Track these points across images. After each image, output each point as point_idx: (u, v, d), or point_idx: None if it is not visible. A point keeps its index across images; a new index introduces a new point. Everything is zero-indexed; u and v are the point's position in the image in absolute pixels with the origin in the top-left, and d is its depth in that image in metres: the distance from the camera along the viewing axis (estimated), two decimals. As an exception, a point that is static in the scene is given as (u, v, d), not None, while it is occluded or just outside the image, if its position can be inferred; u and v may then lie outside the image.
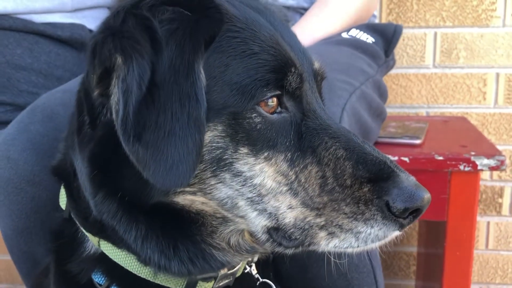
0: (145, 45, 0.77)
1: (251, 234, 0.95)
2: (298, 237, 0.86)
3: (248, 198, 0.86)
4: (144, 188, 0.85)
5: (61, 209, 1.04)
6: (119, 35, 0.78)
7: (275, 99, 0.86)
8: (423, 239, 2.32)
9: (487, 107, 2.38)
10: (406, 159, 1.63)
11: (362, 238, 0.84)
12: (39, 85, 1.63)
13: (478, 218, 2.43)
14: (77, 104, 0.94)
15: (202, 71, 0.81)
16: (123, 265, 0.93)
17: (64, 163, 0.99)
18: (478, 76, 2.36)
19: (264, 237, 0.89)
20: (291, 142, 0.87)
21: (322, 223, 0.85)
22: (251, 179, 0.85)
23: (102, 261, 0.96)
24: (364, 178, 0.84)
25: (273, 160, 0.85)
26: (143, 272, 0.93)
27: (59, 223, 1.06)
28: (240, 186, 0.85)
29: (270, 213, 0.86)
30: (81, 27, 1.75)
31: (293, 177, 0.86)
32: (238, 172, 0.85)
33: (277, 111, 0.86)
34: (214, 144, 0.83)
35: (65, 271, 0.99)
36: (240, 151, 0.84)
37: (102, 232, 0.91)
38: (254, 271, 1.05)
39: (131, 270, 0.93)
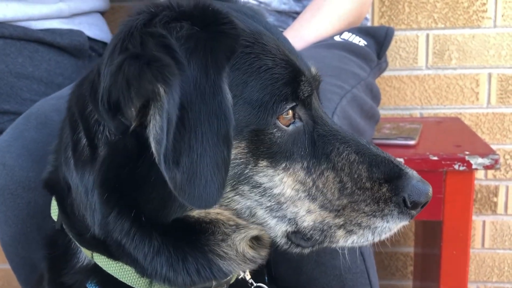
0: (174, 69, 0.75)
1: (255, 238, 0.97)
2: (317, 238, 0.90)
3: (267, 207, 0.88)
4: (164, 207, 0.85)
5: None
6: (156, 64, 0.74)
7: (290, 111, 0.88)
8: (419, 239, 2.32)
9: (480, 107, 2.39)
10: (401, 159, 1.63)
11: (378, 232, 0.90)
12: (40, 93, 1.64)
13: (474, 217, 2.43)
14: (70, 122, 0.93)
15: (228, 90, 0.81)
16: (116, 277, 0.93)
17: (55, 176, 0.98)
18: (471, 76, 2.37)
19: (283, 240, 0.92)
20: (306, 150, 0.89)
21: (341, 223, 0.89)
22: (271, 189, 0.87)
23: (96, 271, 0.96)
24: (381, 180, 0.89)
25: (291, 170, 0.88)
26: (138, 283, 0.93)
27: (53, 232, 1.05)
28: (259, 196, 0.87)
29: (289, 219, 0.89)
30: (79, 33, 1.76)
31: (311, 183, 0.89)
32: (257, 184, 0.86)
33: (292, 122, 0.88)
34: (236, 161, 0.84)
35: (59, 283, 0.99)
36: (260, 165, 0.86)
37: (99, 247, 0.91)
38: (247, 276, 1.05)
39: (125, 282, 0.93)
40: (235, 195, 0.87)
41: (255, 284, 1.06)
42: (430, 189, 0.91)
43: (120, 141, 0.83)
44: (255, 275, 1.07)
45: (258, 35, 0.88)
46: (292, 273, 1.26)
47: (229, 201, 0.87)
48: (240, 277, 1.04)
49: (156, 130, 0.74)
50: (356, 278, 1.27)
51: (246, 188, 0.86)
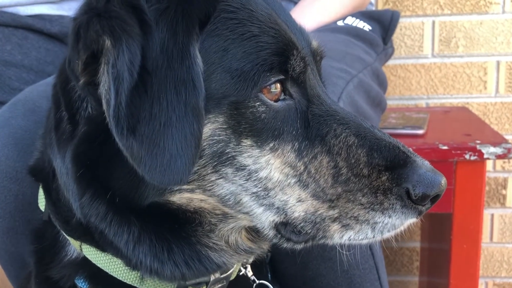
0: (134, 26, 0.70)
1: (253, 230, 0.90)
2: (309, 231, 0.82)
3: (253, 193, 0.81)
4: (137, 187, 0.79)
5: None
6: (106, 15, 0.71)
7: (278, 85, 0.80)
8: (426, 234, 2.27)
9: (488, 96, 2.33)
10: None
11: (379, 228, 0.80)
12: (30, 82, 1.56)
13: (482, 211, 2.38)
14: (53, 100, 0.88)
15: (199, 55, 0.75)
16: (107, 271, 0.87)
17: (42, 162, 0.93)
18: (478, 64, 2.31)
19: (271, 233, 0.84)
20: (298, 131, 0.81)
21: (336, 215, 0.80)
22: (256, 173, 0.79)
23: (85, 266, 0.90)
24: (381, 166, 0.80)
25: (279, 150, 0.80)
26: (129, 277, 0.87)
27: (41, 224, 0.99)
28: (244, 181, 0.80)
29: (278, 208, 0.81)
30: (70, 19, 1.69)
31: (302, 168, 0.81)
32: (241, 166, 0.79)
33: (281, 98, 0.81)
34: (215, 138, 0.78)
35: (46, 277, 0.93)
36: (244, 143, 0.78)
37: (86, 235, 0.85)
38: (249, 272, 0.99)
39: (115, 276, 0.87)
40: (217, 178, 0.80)
41: (257, 281, 1.00)
42: (443, 180, 0.80)
43: (96, 113, 0.78)
44: (258, 271, 1.01)
45: (247, 1, 0.81)
46: (298, 269, 1.20)
47: (212, 185, 0.80)
48: (241, 273, 0.98)
49: (105, 89, 0.70)
50: (365, 274, 1.22)
51: (229, 170, 0.79)
